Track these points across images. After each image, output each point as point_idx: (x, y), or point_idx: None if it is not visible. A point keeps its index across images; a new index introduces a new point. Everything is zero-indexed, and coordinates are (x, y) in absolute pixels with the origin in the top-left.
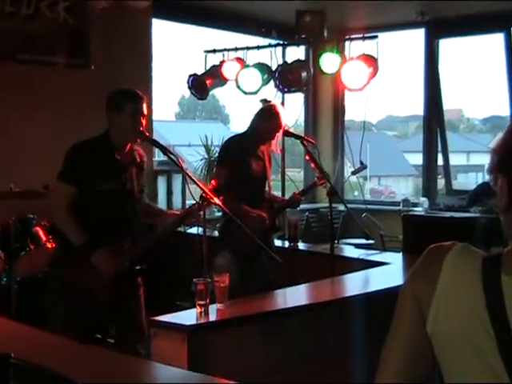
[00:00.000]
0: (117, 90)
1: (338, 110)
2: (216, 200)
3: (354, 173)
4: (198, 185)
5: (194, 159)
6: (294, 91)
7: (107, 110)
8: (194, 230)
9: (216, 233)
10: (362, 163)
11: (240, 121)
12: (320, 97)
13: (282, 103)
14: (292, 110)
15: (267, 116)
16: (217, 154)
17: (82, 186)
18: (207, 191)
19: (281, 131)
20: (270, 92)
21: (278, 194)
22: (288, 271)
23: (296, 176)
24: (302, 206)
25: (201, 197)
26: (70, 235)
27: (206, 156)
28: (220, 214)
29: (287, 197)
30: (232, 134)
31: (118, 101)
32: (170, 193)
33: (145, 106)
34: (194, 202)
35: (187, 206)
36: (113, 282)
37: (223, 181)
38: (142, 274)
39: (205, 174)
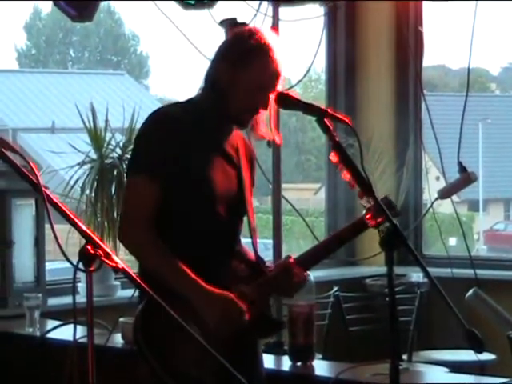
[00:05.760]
0: None
1: (405, 44)
2: (115, 259)
3: (444, 194)
4: (75, 225)
5: (65, 162)
6: (300, 2)
7: None
8: (56, 334)
9: (120, 339)
10: (463, 168)
11: (174, 74)
12: (364, 16)
13: (274, 27)
14: (299, 47)
15: (241, 57)
16: (124, 148)
17: None
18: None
19: (273, 95)
20: (248, 4)
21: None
22: None
23: (309, 201)
24: (325, 273)
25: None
26: None
27: (95, 155)
28: (135, 293)
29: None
30: (158, 101)
31: None
32: (4, 243)
33: None
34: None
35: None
36: None
37: (144, 209)
38: None
39: (91, 199)
